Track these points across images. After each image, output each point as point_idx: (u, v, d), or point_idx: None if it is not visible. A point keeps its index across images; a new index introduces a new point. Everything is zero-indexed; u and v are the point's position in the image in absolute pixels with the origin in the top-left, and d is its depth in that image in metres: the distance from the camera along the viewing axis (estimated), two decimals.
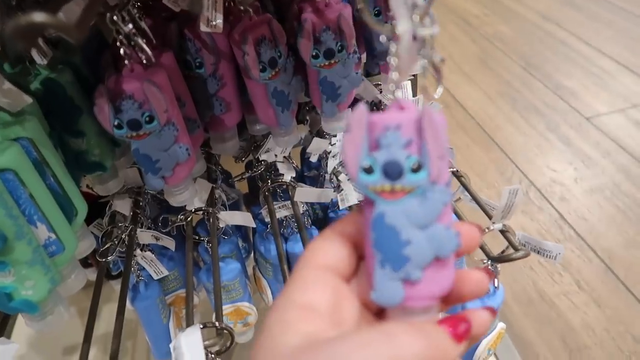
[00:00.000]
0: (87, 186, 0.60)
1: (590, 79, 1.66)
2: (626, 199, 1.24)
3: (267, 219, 0.68)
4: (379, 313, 0.27)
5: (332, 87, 0.56)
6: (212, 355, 0.47)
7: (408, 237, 0.24)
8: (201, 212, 0.64)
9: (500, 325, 0.63)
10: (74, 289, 0.49)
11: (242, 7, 0.51)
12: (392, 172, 0.24)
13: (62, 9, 0.31)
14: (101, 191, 0.58)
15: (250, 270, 0.79)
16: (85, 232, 0.52)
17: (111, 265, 0.79)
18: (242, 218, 0.67)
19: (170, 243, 0.66)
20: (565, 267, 1.10)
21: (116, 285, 0.89)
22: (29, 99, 0.42)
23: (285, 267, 0.61)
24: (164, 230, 0.67)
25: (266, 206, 0.67)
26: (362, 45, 0.61)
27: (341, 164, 0.68)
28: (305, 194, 0.67)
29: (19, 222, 0.39)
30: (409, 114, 0.24)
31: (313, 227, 0.72)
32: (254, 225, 0.70)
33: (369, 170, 0.24)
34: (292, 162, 0.71)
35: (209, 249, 0.67)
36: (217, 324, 0.49)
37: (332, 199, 0.69)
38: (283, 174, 0.69)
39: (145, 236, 0.64)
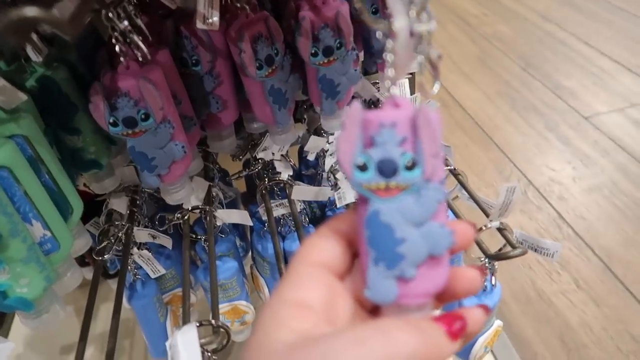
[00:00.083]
0: (84, 184, 0.60)
1: (589, 79, 1.65)
2: (625, 198, 1.24)
3: (265, 218, 0.68)
4: (374, 310, 0.27)
5: (332, 84, 0.56)
6: (209, 354, 0.47)
7: (402, 235, 0.24)
8: (198, 210, 0.64)
9: (497, 323, 0.63)
10: (70, 287, 0.49)
11: (238, 4, 0.51)
12: (387, 169, 0.24)
13: (56, 5, 0.31)
14: (97, 189, 0.58)
15: (247, 269, 0.79)
16: (81, 230, 0.52)
17: (108, 264, 0.78)
18: (239, 216, 0.67)
19: (167, 241, 0.66)
20: (563, 266, 1.10)
21: (114, 284, 0.89)
22: (24, 96, 0.42)
23: (283, 265, 0.61)
24: (161, 229, 0.67)
25: (263, 204, 0.67)
26: (359, 43, 0.61)
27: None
28: (303, 192, 0.66)
29: (14, 220, 0.39)
30: (404, 112, 0.24)
31: (310, 225, 0.72)
32: (251, 224, 0.70)
33: (363, 168, 0.24)
34: (290, 161, 0.71)
35: (206, 248, 0.67)
36: (213, 322, 0.49)
37: (329, 198, 0.69)
38: (280, 173, 0.69)
39: (142, 235, 0.64)
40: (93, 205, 0.66)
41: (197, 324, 0.46)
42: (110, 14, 0.43)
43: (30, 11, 0.27)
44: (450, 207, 0.58)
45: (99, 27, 0.53)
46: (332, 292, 0.25)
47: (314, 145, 0.68)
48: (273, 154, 0.69)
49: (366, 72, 0.69)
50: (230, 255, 0.71)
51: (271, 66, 0.53)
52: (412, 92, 0.71)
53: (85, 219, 0.56)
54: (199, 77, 0.54)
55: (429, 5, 0.25)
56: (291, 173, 0.69)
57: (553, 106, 1.57)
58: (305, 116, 0.73)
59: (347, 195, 0.65)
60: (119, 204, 0.65)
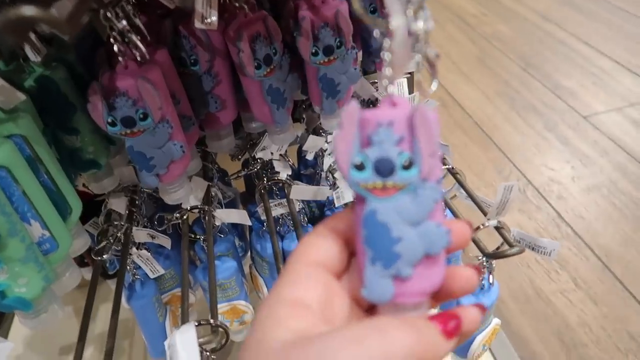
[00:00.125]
0: (83, 184, 0.60)
1: (588, 79, 1.66)
2: (623, 197, 1.24)
3: (264, 217, 0.68)
4: (370, 309, 0.27)
5: (332, 83, 0.56)
6: (207, 353, 0.47)
7: (399, 234, 0.24)
8: (197, 210, 0.64)
9: (495, 321, 0.63)
10: (69, 287, 0.49)
11: (237, 4, 0.51)
12: (384, 169, 0.24)
13: (54, 5, 0.31)
14: (96, 189, 0.58)
15: (246, 269, 0.79)
16: (79, 230, 0.52)
17: (107, 264, 0.78)
18: (238, 216, 0.67)
19: (166, 241, 0.66)
20: (562, 265, 1.10)
21: (113, 284, 0.89)
22: (22, 96, 0.42)
23: (282, 265, 0.61)
24: (159, 229, 0.67)
25: (262, 204, 0.67)
26: (358, 42, 0.61)
27: None
28: (301, 192, 0.66)
29: (12, 220, 0.39)
30: (401, 111, 0.24)
31: (309, 225, 0.72)
32: (250, 223, 0.70)
33: (360, 167, 0.24)
34: (289, 160, 0.71)
35: (205, 247, 0.67)
36: (211, 321, 0.49)
37: (328, 197, 0.69)
38: (279, 172, 0.69)
39: (141, 235, 0.64)
40: (92, 205, 0.66)
41: (196, 324, 0.46)
42: (108, 14, 0.43)
43: (29, 10, 0.27)
44: (448, 206, 0.58)
45: (97, 26, 0.53)
46: (329, 291, 0.25)
47: (312, 144, 0.68)
48: (272, 153, 0.69)
49: (365, 72, 0.69)
50: (229, 255, 0.71)
51: (269, 66, 0.53)
52: (411, 91, 0.71)
53: (84, 219, 0.56)
54: (198, 76, 0.54)
55: (427, 5, 0.25)
56: (290, 173, 0.69)
57: (552, 106, 1.57)
58: (303, 116, 0.73)
59: (345, 194, 0.65)
60: (118, 204, 0.65)
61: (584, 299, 1.03)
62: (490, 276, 0.58)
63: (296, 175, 0.77)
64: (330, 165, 0.68)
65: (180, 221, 0.64)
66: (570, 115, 1.51)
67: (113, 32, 0.44)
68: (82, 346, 0.51)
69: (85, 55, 0.52)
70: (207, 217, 0.63)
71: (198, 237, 0.68)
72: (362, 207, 0.24)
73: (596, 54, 1.76)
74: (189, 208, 0.64)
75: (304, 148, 0.69)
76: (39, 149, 0.43)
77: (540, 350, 0.96)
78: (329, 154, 0.69)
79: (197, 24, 0.46)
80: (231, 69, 0.55)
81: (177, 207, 0.63)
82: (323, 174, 0.70)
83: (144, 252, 0.65)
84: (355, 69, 0.57)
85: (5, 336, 0.62)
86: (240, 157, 0.74)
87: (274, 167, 0.69)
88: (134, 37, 0.44)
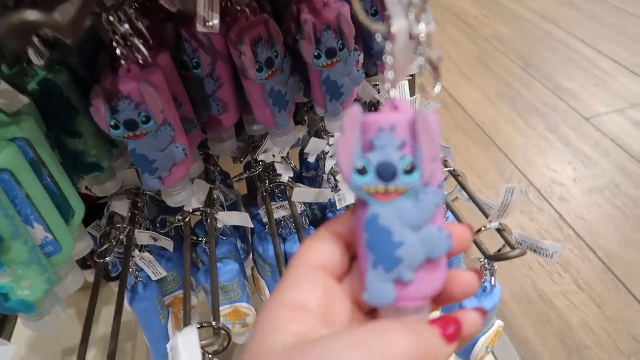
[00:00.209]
0: (86, 187, 0.60)
1: (589, 80, 1.66)
2: (625, 199, 1.23)
3: (266, 220, 0.68)
4: (371, 313, 0.27)
5: (335, 86, 0.56)
6: (210, 356, 0.47)
7: (401, 239, 0.24)
8: (199, 212, 0.64)
9: (498, 324, 0.63)
10: (71, 290, 0.49)
11: (239, 8, 0.51)
12: (386, 173, 0.24)
13: (57, 9, 0.31)
14: (99, 192, 0.58)
15: (249, 271, 0.79)
16: (82, 232, 0.52)
17: (110, 267, 0.79)
18: (240, 218, 0.67)
19: (168, 244, 0.66)
20: (564, 267, 1.10)
21: (116, 287, 0.88)
22: (25, 100, 0.42)
23: (284, 267, 0.61)
24: (162, 231, 0.67)
25: (264, 207, 0.67)
26: (359, 45, 0.61)
27: None
28: (303, 195, 0.67)
29: (15, 222, 0.39)
30: (403, 115, 0.24)
31: (311, 227, 0.72)
32: (252, 226, 0.70)
33: (362, 172, 0.24)
34: (291, 163, 0.71)
35: (208, 250, 0.67)
36: (214, 324, 0.49)
37: (330, 200, 0.69)
38: (281, 175, 0.69)
39: (143, 237, 0.64)
40: (95, 208, 0.66)
41: (198, 326, 0.46)
42: (111, 18, 0.43)
43: (32, 15, 0.28)
44: (450, 208, 0.58)
45: (100, 30, 0.53)
46: (330, 295, 0.25)
47: (314, 147, 0.68)
48: (274, 156, 0.69)
49: (366, 74, 0.70)
50: (231, 257, 0.71)
51: (271, 69, 0.53)
52: (413, 94, 0.71)
53: (86, 221, 0.56)
54: (200, 79, 0.54)
55: (428, 7, 0.26)
56: (292, 175, 0.69)
57: (554, 107, 1.57)
58: (305, 118, 0.74)
59: (347, 197, 0.65)
60: (121, 207, 0.66)
61: (587, 301, 1.03)
62: (493, 278, 0.58)
63: (298, 178, 0.77)
64: (332, 167, 0.68)
65: (182, 224, 0.64)
66: (572, 117, 1.51)
67: (116, 36, 0.44)
68: (85, 348, 0.51)
69: (88, 58, 0.52)
70: (209, 220, 0.63)
71: (200, 239, 0.68)
72: (364, 211, 0.24)
73: (597, 55, 1.76)
74: (191, 211, 0.64)
75: (306, 151, 0.69)
76: (42, 152, 0.44)
77: (543, 353, 0.96)
78: (331, 157, 0.69)
79: (199, 28, 0.46)
80: (233, 72, 0.56)
81: (180, 210, 0.64)
82: (325, 177, 0.71)
83: (146, 254, 0.65)
84: (359, 71, 0.58)
85: (9, 339, 0.62)
86: (242, 159, 0.74)
87: (276, 170, 0.69)
88: (136, 41, 0.45)
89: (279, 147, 0.64)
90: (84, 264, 0.85)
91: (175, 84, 0.51)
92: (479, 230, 0.51)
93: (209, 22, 0.46)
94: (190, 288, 0.59)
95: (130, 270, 0.65)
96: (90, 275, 0.74)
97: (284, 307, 0.24)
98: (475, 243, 0.52)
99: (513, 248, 0.49)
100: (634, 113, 1.49)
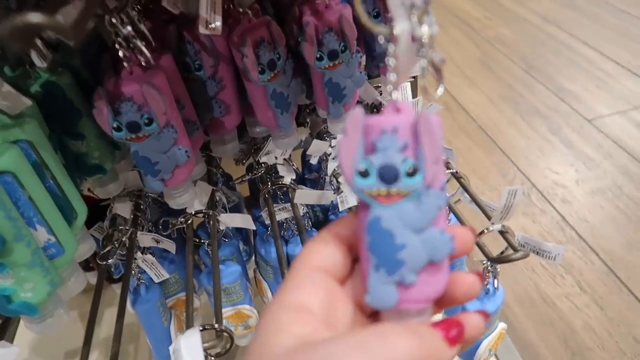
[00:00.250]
0: (88, 189, 0.60)
1: (591, 81, 1.65)
2: (628, 201, 1.23)
3: (268, 221, 0.68)
4: (373, 315, 0.27)
5: (338, 88, 0.56)
6: (212, 358, 0.47)
7: (403, 241, 0.24)
8: (202, 214, 0.64)
9: (501, 326, 0.63)
10: (74, 292, 0.49)
11: (241, 10, 0.51)
12: (388, 175, 0.24)
13: (59, 11, 0.31)
14: (101, 194, 0.58)
15: (251, 273, 0.79)
16: (85, 234, 0.52)
17: (113, 269, 0.79)
18: (242, 220, 0.67)
19: (170, 246, 0.66)
20: (567, 269, 1.10)
21: (118, 288, 0.89)
22: (28, 102, 0.42)
23: (286, 269, 0.61)
24: (164, 233, 0.67)
25: (266, 208, 0.67)
26: (361, 46, 0.61)
27: None
28: (305, 196, 0.67)
29: (18, 224, 0.39)
30: (405, 117, 0.24)
31: (313, 229, 0.72)
32: (254, 228, 0.70)
33: (364, 174, 0.24)
34: (293, 165, 0.71)
35: (210, 252, 0.67)
36: (216, 326, 0.49)
37: (332, 201, 0.69)
38: (283, 176, 0.69)
39: (145, 239, 0.64)
40: (97, 210, 0.66)
41: (201, 328, 0.46)
42: (113, 20, 0.43)
43: (35, 17, 0.28)
44: (452, 210, 0.58)
45: (102, 32, 0.54)
46: (332, 297, 0.25)
47: (316, 149, 0.68)
48: (276, 158, 0.69)
49: (368, 76, 0.70)
50: (233, 259, 0.71)
51: (273, 70, 0.53)
52: (415, 96, 0.71)
53: (89, 223, 0.57)
54: (202, 81, 0.54)
55: (430, 9, 0.26)
56: (294, 177, 0.69)
57: (556, 109, 1.56)
58: (307, 120, 0.74)
59: (349, 198, 0.65)
60: (123, 209, 0.66)
61: (589, 303, 1.03)
62: (495, 280, 0.57)
63: (300, 180, 0.77)
64: (335, 169, 0.68)
65: (184, 225, 0.64)
66: (574, 119, 1.51)
67: (118, 38, 0.44)
68: (87, 350, 0.51)
69: (91, 60, 0.52)
70: (211, 222, 0.63)
71: (202, 241, 0.68)
72: (366, 213, 0.24)
73: (600, 56, 1.76)
74: (193, 212, 0.64)
75: (308, 152, 0.69)
76: (44, 154, 0.44)
77: (545, 355, 0.96)
78: (333, 158, 0.69)
79: (202, 30, 0.46)
80: (235, 74, 0.56)
81: (182, 212, 0.64)
82: (327, 178, 0.71)
83: (148, 256, 0.65)
84: (361, 72, 0.58)
85: (11, 341, 0.62)
86: (244, 161, 0.74)
87: (278, 172, 0.69)
88: (138, 43, 0.45)
89: (281, 148, 0.65)
90: (86, 265, 0.85)
91: (178, 86, 0.51)
92: (482, 232, 0.51)
93: (211, 24, 0.46)
94: (193, 290, 0.59)
95: (133, 272, 0.65)
96: (92, 277, 0.74)
97: (286, 309, 0.24)
98: (478, 245, 0.52)
99: (516, 250, 0.49)
100: (636, 114, 1.49)
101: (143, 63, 0.46)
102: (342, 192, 0.66)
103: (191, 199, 0.56)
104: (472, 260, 0.60)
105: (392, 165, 0.24)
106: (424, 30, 0.25)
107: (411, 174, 0.24)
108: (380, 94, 0.68)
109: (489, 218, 0.53)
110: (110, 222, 0.66)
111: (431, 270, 0.24)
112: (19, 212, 0.40)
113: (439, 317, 0.26)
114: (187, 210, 0.64)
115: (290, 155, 0.70)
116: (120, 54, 0.45)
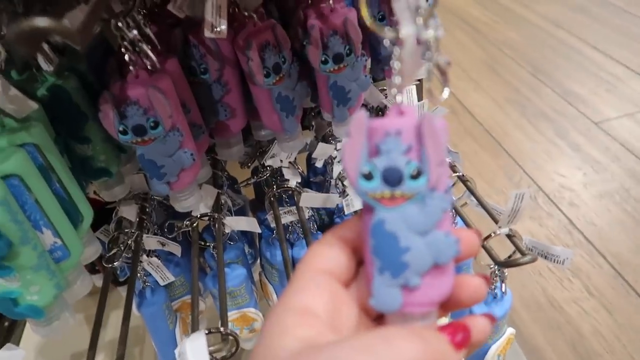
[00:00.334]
0: (94, 192, 0.60)
1: (598, 84, 1.65)
2: (636, 204, 1.22)
3: (273, 225, 0.68)
4: (378, 318, 0.27)
5: (342, 91, 0.56)
6: None
7: (407, 244, 0.24)
8: (207, 217, 0.64)
9: (510, 331, 0.63)
10: (80, 295, 0.49)
11: (246, 13, 0.51)
12: (392, 178, 0.24)
13: (66, 16, 0.31)
14: (107, 197, 0.58)
15: (256, 276, 0.79)
16: (91, 237, 0.52)
17: (118, 272, 0.79)
18: (247, 223, 0.67)
19: (176, 249, 0.66)
20: (574, 273, 1.09)
21: (123, 291, 0.89)
22: (34, 105, 0.43)
23: (291, 273, 0.61)
24: (170, 236, 0.67)
25: (272, 212, 0.67)
26: (366, 49, 0.61)
27: None
28: (311, 200, 0.66)
29: (24, 228, 0.40)
30: (409, 120, 0.24)
31: (319, 232, 0.72)
32: (259, 231, 0.70)
33: (368, 177, 0.24)
34: (298, 168, 0.71)
35: (215, 255, 0.67)
36: (222, 329, 0.49)
37: (337, 205, 0.69)
38: (288, 180, 0.69)
39: (151, 242, 0.64)
40: (103, 213, 0.67)
41: (206, 332, 0.46)
42: (119, 24, 0.43)
43: (41, 22, 0.28)
44: (459, 213, 0.58)
45: (108, 36, 0.54)
46: (336, 300, 0.25)
47: (321, 152, 0.68)
48: (281, 161, 0.69)
49: (374, 79, 0.69)
50: (239, 262, 0.71)
51: (278, 74, 0.53)
52: (420, 99, 0.71)
53: (95, 226, 0.57)
54: (208, 85, 0.54)
55: (436, 12, 0.25)
56: (299, 180, 0.69)
57: (563, 112, 1.56)
58: (313, 123, 0.74)
59: (354, 202, 0.65)
60: (129, 212, 0.66)
61: (598, 307, 1.02)
62: (503, 285, 0.57)
63: (305, 183, 0.77)
64: (340, 172, 0.68)
65: (190, 229, 0.64)
66: (581, 122, 1.50)
67: (124, 42, 0.45)
68: (93, 353, 0.52)
69: (97, 64, 0.53)
70: (217, 225, 0.63)
71: (208, 244, 0.68)
72: (370, 216, 0.24)
73: (607, 59, 1.75)
74: (199, 215, 0.64)
75: (313, 155, 0.69)
76: (51, 157, 0.44)
77: None
78: (338, 162, 0.69)
79: (207, 33, 0.47)
80: (240, 78, 0.56)
81: (187, 215, 0.64)
82: (332, 182, 0.71)
83: (154, 259, 0.65)
84: (366, 76, 0.58)
85: (17, 344, 0.62)
86: (249, 164, 0.74)
87: (283, 175, 0.69)
88: (144, 47, 0.45)
89: (286, 152, 0.65)
90: (92, 268, 0.85)
91: (183, 90, 0.51)
92: (489, 236, 0.51)
93: (216, 27, 0.46)
94: (198, 293, 0.59)
95: (138, 275, 0.65)
96: (98, 280, 0.74)
97: (291, 312, 0.24)
98: (485, 249, 0.51)
99: (523, 254, 0.49)
100: None
101: (149, 67, 0.46)
102: (347, 195, 0.66)
103: (197, 202, 0.56)
104: (479, 264, 0.59)
105: (396, 167, 0.24)
106: (430, 34, 0.25)
107: (415, 176, 0.24)
108: (386, 97, 0.68)
109: (495, 221, 0.53)
110: (116, 225, 0.66)
111: (436, 273, 0.24)
112: (25, 215, 0.40)
113: (445, 320, 0.26)
114: (193, 213, 0.64)
115: (295, 159, 0.70)
116: (126, 57, 0.45)
